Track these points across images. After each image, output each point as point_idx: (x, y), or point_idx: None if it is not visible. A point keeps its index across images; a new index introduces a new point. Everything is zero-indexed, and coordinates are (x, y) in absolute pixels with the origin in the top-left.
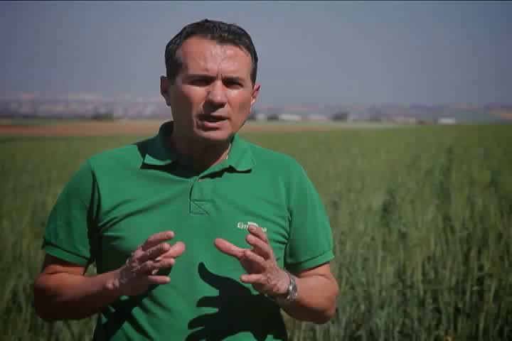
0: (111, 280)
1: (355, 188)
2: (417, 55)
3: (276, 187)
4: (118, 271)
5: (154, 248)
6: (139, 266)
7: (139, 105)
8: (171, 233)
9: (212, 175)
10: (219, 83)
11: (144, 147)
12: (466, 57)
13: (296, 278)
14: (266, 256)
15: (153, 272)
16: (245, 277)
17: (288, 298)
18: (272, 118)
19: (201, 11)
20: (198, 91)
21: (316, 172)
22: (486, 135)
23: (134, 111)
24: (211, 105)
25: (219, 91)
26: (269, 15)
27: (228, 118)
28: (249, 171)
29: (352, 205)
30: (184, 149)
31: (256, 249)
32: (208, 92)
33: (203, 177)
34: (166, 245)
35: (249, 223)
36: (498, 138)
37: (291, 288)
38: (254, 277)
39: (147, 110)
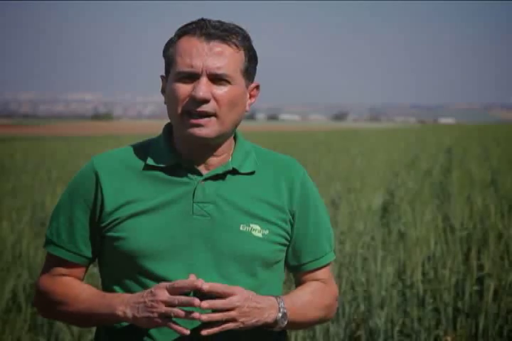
0: (121, 307)
1: (355, 188)
2: (417, 55)
3: (279, 189)
4: (131, 300)
5: (185, 299)
6: (163, 310)
7: (139, 105)
8: (199, 284)
9: (215, 177)
10: (204, 79)
11: (147, 147)
12: (466, 57)
13: (287, 301)
14: (231, 309)
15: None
16: (205, 332)
17: (277, 326)
18: (272, 118)
19: (201, 11)
20: (183, 88)
21: (315, 172)
22: (486, 135)
23: (134, 111)
24: (194, 101)
25: (202, 87)
26: (269, 15)
27: (215, 115)
28: (252, 173)
29: (351, 205)
30: (184, 149)
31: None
32: (193, 89)
33: (206, 179)
34: (196, 302)
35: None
36: (497, 138)
37: (280, 315)
38: (214, 330)
39: (147, 110)
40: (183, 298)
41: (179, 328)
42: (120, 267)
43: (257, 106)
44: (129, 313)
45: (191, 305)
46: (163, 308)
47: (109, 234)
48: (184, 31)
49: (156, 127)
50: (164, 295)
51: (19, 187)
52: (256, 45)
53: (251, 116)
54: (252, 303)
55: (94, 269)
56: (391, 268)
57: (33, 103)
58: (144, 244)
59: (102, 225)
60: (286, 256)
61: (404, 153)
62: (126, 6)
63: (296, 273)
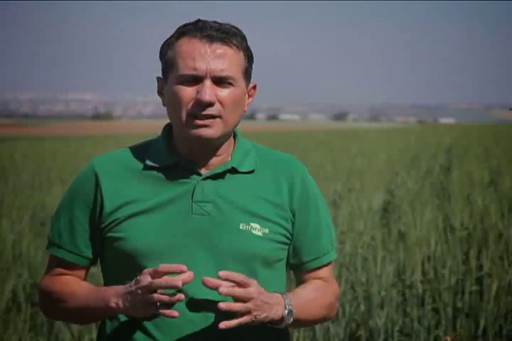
0: (114, 299)
1: (355, 188)
2: (417, 55)
3: (279, 187)
4: (122, 290)
5: (164, 282)
6: (147, 297)
7: (139, 105)
8: (184, 268)
9: (215, 177)
10: (208, 82)
11: (147, 148)
12: (466, 57)
13: (292, 298)
14: (247, 299)
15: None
16: (223, 325)
17: (283, 323)
18: (272, 117)
19: (201, 11)
20: (187, 91)
21: (316, 172)
22: (486, 135)
23: (134, 111)
24: (200, 104)
25: (207, 91)
26: (269, 15)
27: (220, 117)
28: (251, 172)
29: (352, 205)
30: (185, 149)
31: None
32: (198, 92)
33: (205, 179)
34: (179, 284)
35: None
36: (497, 138)
37: (286, 312)
38: (233, 323)
39: (147, 110)
40: (163, 283)
41: (166, 312)
42: (121, 267)
43: (257, 106)
44: (121, 304)
45: (174, 287)
46: (146, 295)
47: (110, 234)
48: (183, 32)
49: (156, 127)
50: (145, 279)
51: (19, 187)
52: (256, 44)
53: (251, 116)
54: (264, 298)
55: (94, 269)
56: (391, 268)
57: (33, 103)
58: (143, 243)
59: (102, 226)
60: (288, 255)
61: (404, 153)
62: (125, 6)
63: (297, 271)
